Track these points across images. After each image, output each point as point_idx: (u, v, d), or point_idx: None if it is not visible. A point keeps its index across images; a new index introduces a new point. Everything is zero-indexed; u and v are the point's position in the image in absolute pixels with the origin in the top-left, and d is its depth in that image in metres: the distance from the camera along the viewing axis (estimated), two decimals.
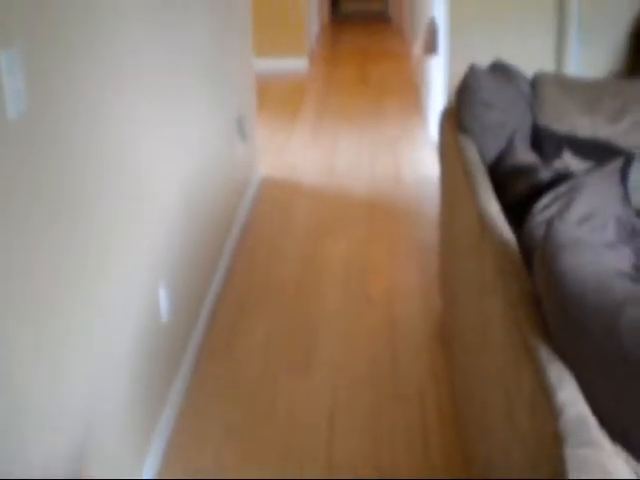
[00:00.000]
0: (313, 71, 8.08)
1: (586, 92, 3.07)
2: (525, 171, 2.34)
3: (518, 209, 2.25)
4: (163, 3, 2.71)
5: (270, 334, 3.28)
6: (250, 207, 4.53)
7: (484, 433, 1.96)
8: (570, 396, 1.33)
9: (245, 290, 3.64)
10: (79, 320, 1.86)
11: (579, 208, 1.96)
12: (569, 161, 2.78)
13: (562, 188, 2.03)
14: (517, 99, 2.79)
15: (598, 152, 2.93)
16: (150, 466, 2.43)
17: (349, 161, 5.33)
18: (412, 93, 6.93)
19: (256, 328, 3.32)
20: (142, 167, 2.45)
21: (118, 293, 2.18)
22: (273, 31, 7.81)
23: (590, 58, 4.42)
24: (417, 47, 5.60)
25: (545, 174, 2.18)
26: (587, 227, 1.92)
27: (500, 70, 2.98)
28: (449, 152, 2.75)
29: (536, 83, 2.98)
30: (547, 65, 4.47)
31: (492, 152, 2.62)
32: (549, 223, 1.67)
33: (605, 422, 1.36)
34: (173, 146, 2.85)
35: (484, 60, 4.35)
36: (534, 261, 1.64)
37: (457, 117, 2.73)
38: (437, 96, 5.25)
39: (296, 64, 8.01)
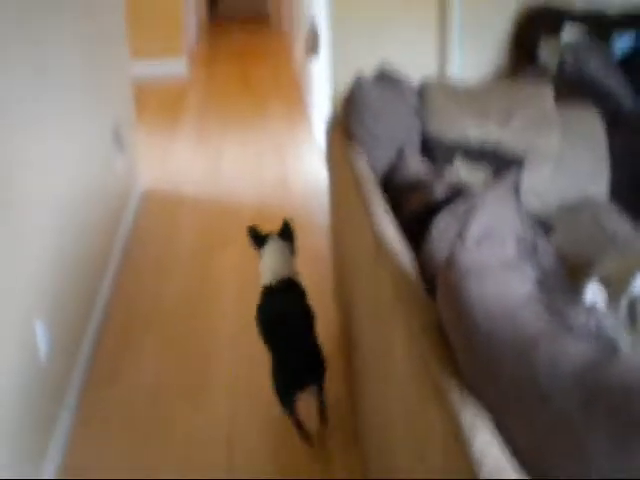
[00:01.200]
0: (193, 74, 7.88)
1: (473, 97, 3.02)
2: (418, 185, 2.26)
3: (413, 225, 2.17)
4: (24, 13, 2.50)
5: (161, 360, 3.12)
6: (132, 224, 4.32)
7: (390, 462, 1.87)
8: (486, 445, 1.24)
9: (131, 316, 3.45)
10: None
11: (478, 226, 1.88)
12: (460, 168, 2.73)
13: (458, 206, 1.95)
14: (405, 108, 2.71)
15: (488, 157, 2.89)
16: None
17: (234, 169, 5.18)
18: (295, 95, 6.82)
19: (145, 356, 3.16)
20: (10, 186, 2.25)
21: None
22: (149, 31, 7.56)
23: (473, 59, 4.40)
24: (299, 48, 5.49)
25: (439, 190, 2.10)
26: (487, 246, 1.85)
27: (385, 78, 2.89)
28: (338, 164, 2.64)
29: (423, 90, 2.91)
30: (429, 64, 4.43)
31: (383, 164, 2.53)
32: (450, 248, 1.59)
33: (526, 463, 1.28)
34: (44, 163, 2.65)
35: (367, 62, 4.29)
36: (437, 290, 1.55)
37: (345, 128, 2.63)
38: (321, 100, 5.16)
39: (175, 66, 7.79)
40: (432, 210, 2.07)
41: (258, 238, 2.96)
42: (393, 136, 2.56)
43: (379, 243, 1.93)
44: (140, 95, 6.82)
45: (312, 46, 5.12)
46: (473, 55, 4.41)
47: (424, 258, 1.88)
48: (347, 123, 2.59)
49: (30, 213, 2.44)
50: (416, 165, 2.50)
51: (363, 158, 2.45)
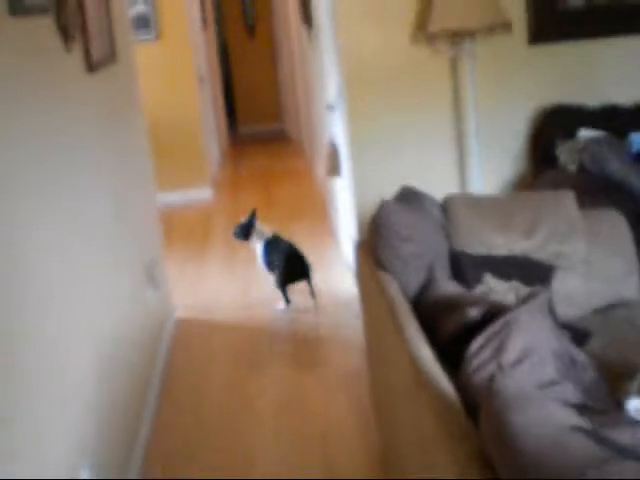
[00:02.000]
0: (217, 198, 8.03)
1: (496, 209, 3.06)
2: (450, 306, 2.27)
3: (449, 347, 2.17)
4: (58, 150, 2.60)
5: None
6: (168, 355, 4.34)
7: None
8: None
9: (173, 448, 3.44)
10: None
11: (514, 347, 1.89)
12: (491, 283, 2.74)
13: (494, 327, 1.95)
14: (431, 227, 2.75)
15: (517, 269, 2.90)
16: None
17: (265, 291, 5.21)
18: (320, 213, 6.91)
19: None
20: (49, 336, 2.29)
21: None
22: (174, 164, 7.76)
23: (492, 167, 4.48)
24: (320, 168, 5.61)
25: (473, 311, 2.11)
26: (525, 369, 1.85)
27: (408, 197, 2.94)
28: (369, 289, 2.67)
29: (446, 207, 2.96)
30: (450, 178, 4.51)
31: (414, 286, 2.55)
32: (488, 375, 1.59)
33: None
34: (80, 312, 2.69)
35: (388, 181, 4.39)
36: (480, 419, 1.55)
37: (373, 252, 2.66)
38: (347, 218, 5.23)
39: (200, 193, 7.96)
40: (467, 332, 2.07)
41: (242, 227, 4.95)
42: (421, 256, 2.59)
43: (418, 369, 1.94)
44: (167, 223, 6.97)
45: (333, 166, 5.22)
46: (492, 163, 4.49)
47: (462, 382, 1.88)
48: (374, 248, 2.62)
49: (70, 360, 2.47)
50: (447, 285, 2.52)
51: (394, 284, 2.47)
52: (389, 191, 4.38)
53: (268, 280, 5.04)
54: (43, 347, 2.22)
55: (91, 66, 3.09)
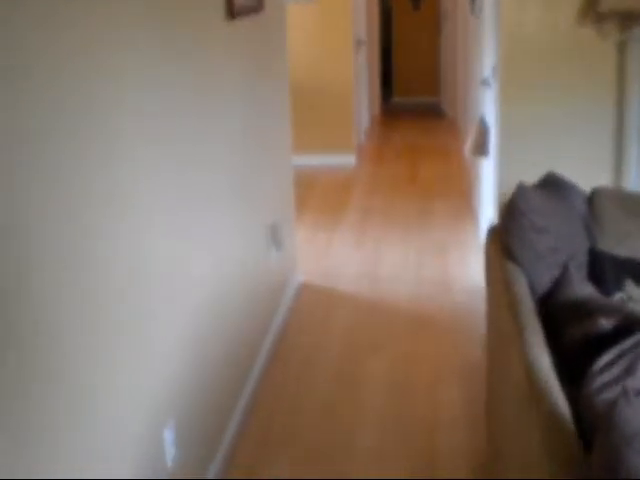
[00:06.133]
0: (361, 167, 7.86)
1: None
2: (582, 311, 2.02)
3: (572, 356, 1.93)
4: (193, 100, 2.49)
5: (296, 470, 2.95)
6: (285, 318, 4.23)
7: None
8: None
9: (270, 424, 3.30)
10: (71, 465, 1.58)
11: None
12: (632, 292, 2.45)
13: (626, 343, 1.70)
14: (572, 220, 2.48)
15: None
16: None
17: (393, 267, 5.03)
18: (463, 194, 6.64)
19: (280, 463, 3.00)
20: (158, 274, 2.19)
21: (117, 436, 1.90)
22: (321, 127, 7.65)
23: None
24: (467, 147, 5.34)
25: (606, 321, 1.85)
26: None
27: (552, 185, 2.68)
28: (496, 280, 2.43)
29: (594, 200, 2.68)
30: (603, 170, 4.15)
31: (544, 283, 2.30)
32: (612, 400, 1.35)
33: None
34: (198, 255, 2.60)
35: (537, 167, 4.08)
36: (593, 452, 1.32)
37: (504, 241, 2.43)
38: (488, 202, 4.96)
39: (344, 160, 7.81)
40: (596, 343, 1.83)
41: None
42: (557, 251, 2.33)
43: (533, 380, 1.71)
44: (308, 184, 6.87)
45: (481, 146, 4.95)
46: None
47: (581, 401, 1.64)
48: (506, 236, 2.38)
49: (180, 302, 2.38)
50: (582, 287, 2.26)
51: (522, 279, 2.23)
52: (534, 177, 4.08)
53: (398, 258, 4.85)
54: (144, 303, 2.13)
55: (232, 12, 2.96)
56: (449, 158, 8.07)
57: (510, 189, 4.22)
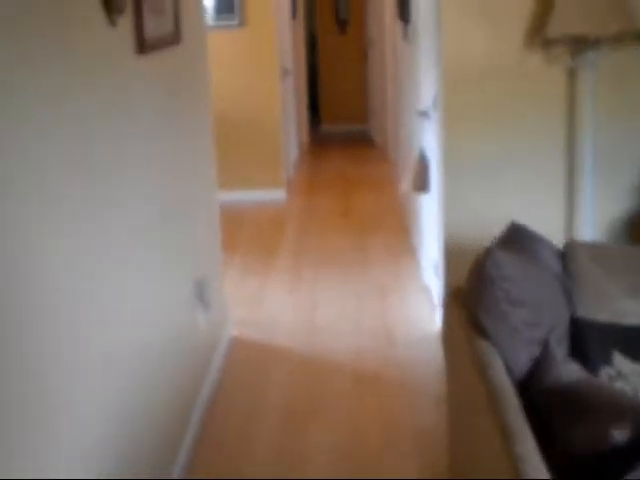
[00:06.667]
0: (291, 201, 7.46)
1: (628, 264, 2.41)
2: (577, 408, 1.65)
3: (575, 470, 1.56)
4: (100, 148, 2.06)
5: None
6: (215, 385, 3.78)
7: None
8: None
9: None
10: None
11: None
12: (621, 366, 2.10)
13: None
14: (548, 285, 2.13)
15: None
16: None
17: (331, 315, 4.63)
18: (399, 230, 6.28)
19: None
20: (55, 354, 1.76)
21: None
22: (248, 161, 7.26)
23: (607, 200, 3.80)
24: (405, 182, 4.99)
25: (619, 434, 1.48)
26: None
27: (519, 240, 2.32)
28: (461, 361, 2.05)
29: (568, 256, 2.32)
30: (556, 205, 3.84)
31: (522, 363, 1.94)
32: None
33: None
34: (106, 324, 2.16)
35: (484, 203, 3.78)
36: None
37: (473, 312, 2.05)
38: (431, 241, 4.61)
39: (273, 195, 7.42)
40: (607, 459, 1.46)
41: None
42: (536, 326, 1.97)
43: None
44: (236, 222, 6.46)
45: (421, 182, 4.61)
46: (609, 194, 3.81)
47: None
48: (475, 308, 2.01)
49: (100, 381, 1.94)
50: (565, 366, 1.90)
51: (497, 362, 1.86)
52: (483, 217, 3.76)
53: (335, 303, 4.46)
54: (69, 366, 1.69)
55: (143, 47, 2.55)
56: (381, 189, 7.73)
57: (455, 228, 3.90)
